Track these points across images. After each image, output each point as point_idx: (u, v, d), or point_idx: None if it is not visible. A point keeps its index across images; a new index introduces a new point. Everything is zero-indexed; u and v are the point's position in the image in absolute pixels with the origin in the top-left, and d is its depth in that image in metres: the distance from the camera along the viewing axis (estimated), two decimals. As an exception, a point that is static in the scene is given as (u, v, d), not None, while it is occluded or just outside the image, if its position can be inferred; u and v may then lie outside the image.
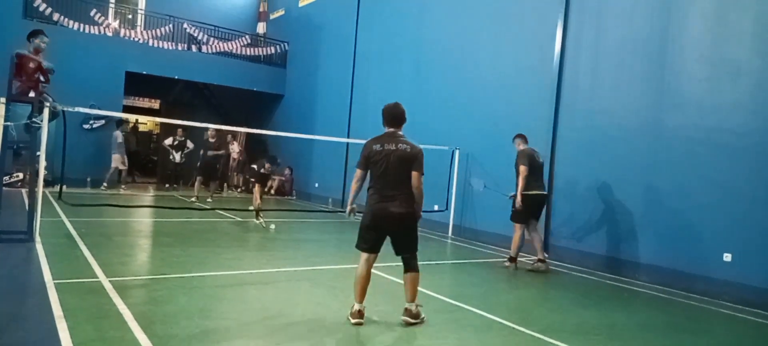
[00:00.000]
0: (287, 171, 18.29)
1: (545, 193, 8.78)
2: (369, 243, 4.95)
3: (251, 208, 11.33)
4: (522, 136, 8.70)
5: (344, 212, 14.13)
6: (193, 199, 13.73)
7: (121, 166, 16.14)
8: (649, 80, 8.63)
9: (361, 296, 4.94)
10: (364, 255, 4.97)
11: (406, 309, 4.96)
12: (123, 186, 16.28)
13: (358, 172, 5.05)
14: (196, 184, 14.25)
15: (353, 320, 4.85)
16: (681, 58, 8.28)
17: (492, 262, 8.97)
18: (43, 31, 8.19)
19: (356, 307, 4.91)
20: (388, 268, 6.87)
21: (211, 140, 13.98)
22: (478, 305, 5.85)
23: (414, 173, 4.88)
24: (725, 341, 5.81)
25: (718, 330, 6.19)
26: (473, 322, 5.33)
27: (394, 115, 5.13)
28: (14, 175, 13.45)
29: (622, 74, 9.03)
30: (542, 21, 10.30)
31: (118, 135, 15.95)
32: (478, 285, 7.15)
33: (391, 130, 5.09)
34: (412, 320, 4.90)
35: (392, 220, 4.88)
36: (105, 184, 15.40)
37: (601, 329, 5.59)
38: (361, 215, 5.10)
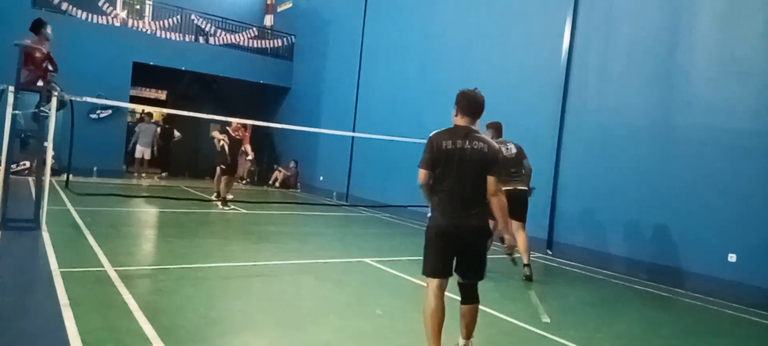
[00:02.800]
0: (292, 164, 18.31)
1: (523, 189, 7.58)
2: (442, 265, 3.86)
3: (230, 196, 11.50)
4: (494, 127, 7.58)
5: (350, 205, 14.10)
6: (222, 200, 12.24)
7: (146, 157, 16.64)
8: (657, 80, 8.59)
9: (438, 337, 3.79)
10: (435, 282, 3.84)
11: None
12: (143, 175, 16.66)
13: (423, 172, 3.88)
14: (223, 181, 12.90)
15: None
16: (690, 58, 8.23)
17: (496, 259, 8.95)
18: (45, 20, 8.19)
19: None
20: (391, 263, 6.87)
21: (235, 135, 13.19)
22: (483, 302, 5.81)
23: (491, 179, 3.86)
24: (729, 342, 5.79)
25: (722, 331, 6.17)
26: (479, 319, 5.32)
27: (475, 105, 4.03)
28: (21, 163, 13.51)
29: (630, 73, 8.99)
30: (550, 19, 10.25)
31: (150, 127, 16.78)
32: (482, 282, 7.13)
33: (464, 123, 3.98)
34: None
35: (466, 236, 3.89)
36: (135, 173, 16.53)
37: (604, 328, 5.59)
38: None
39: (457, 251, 3.91)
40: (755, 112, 7.43)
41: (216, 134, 12.36)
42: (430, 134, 3.96)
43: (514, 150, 7.58)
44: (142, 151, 16.45)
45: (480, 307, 4.10)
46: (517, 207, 7.24)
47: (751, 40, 7.61)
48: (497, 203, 3.91)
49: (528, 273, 7.31)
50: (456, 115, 4.04)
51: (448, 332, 3.94)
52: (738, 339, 5.93)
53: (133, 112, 20.78)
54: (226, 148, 12.02)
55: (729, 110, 7.69)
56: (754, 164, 7.37)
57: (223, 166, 12.12)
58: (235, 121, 12.03)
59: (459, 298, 4.08)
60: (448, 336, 3.93)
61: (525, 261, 7.37)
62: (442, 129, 4.00)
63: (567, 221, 9.69)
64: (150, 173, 17.39)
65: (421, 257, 3.97)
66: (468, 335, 4.04)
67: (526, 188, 7.60)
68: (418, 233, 9.27)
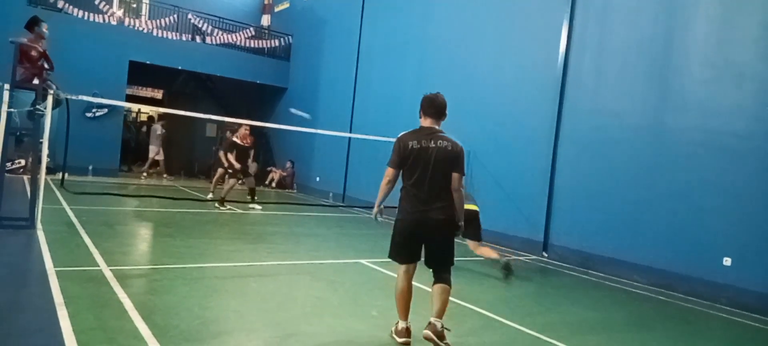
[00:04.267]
0: (288, 164, 18.30)
1: (474, 209, 7.53)
2: (407, 253, 4.32)
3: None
4: None
5: (346, 206, 14.15)
6: (219, 200, 11.88)
7: (158, 157, 17.06)
8: (653, 82, 8.62)
9: (406, 312, 4.36)
10: (403, 267, 4.34)
11: (430, 323, 4.18)
12: (144, 174, 16.90)
13: (390, 171, 4.32)
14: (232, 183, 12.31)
15: (401, 340, 4.31)
16: (685, 61, 8.27)
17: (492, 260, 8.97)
18: (41, 18, 8.16)
19: (402, 325, 4.35)
20: (386, 264, 6.87)
21: (243, 142, 12.33)
22: (477, 302, 5.86)
23: (455, 175, 4.29)
24: (722, 345, 5.82)
25: (716, 334, 6.20)
26: (472, 319, 5.34)
27: (436, 107, 4.40)
28: (16, 161, 13.47)
29: (625, 75, 9.02)
30: (547, 20, 10.28)
31: (158, 128, 17.07)
32: (477, 283, 7.16)
33: (429, 124, 4.40)
34: (436, 340, 4.12)
35: (432, 227, 4.25)
36: (144, 173, 16.85)
37: (598, 330, 5.61)
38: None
39: (425, 242, 4.32)
40: (750, 115, 7.47)
41: (229, 159, 11.91)
42: (398, 136, 4.37)
43: None
44: (154, 151, 16.93)
45: (475, 309, 4.13)
46: (472, 226, 7.39)
47: (746, 43, 7.65)
48: (457, 197, 4.35)
49: (505, 262, 7.42)
50: (421, 117, 4.47)
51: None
52: (732, 343, 5.95)
53: (129, 111, 20.77)
54: (234, 162, 11.77)
55: (724, 113, 7.72)
56: (749, 167, 7.40)
57: (231, 171, 11.93)
58: (243, 123, 11.82)
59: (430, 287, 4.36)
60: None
61: (495, 256, 7.54)
62: (409, 130, 4.41)
63: (562, 223, 9.71)
64: (154, 173, 17.47)
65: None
66: (439, 313, 4.24)
67: (475, 208, 7.57)
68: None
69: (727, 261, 7.46)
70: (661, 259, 8.19)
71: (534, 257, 9.62)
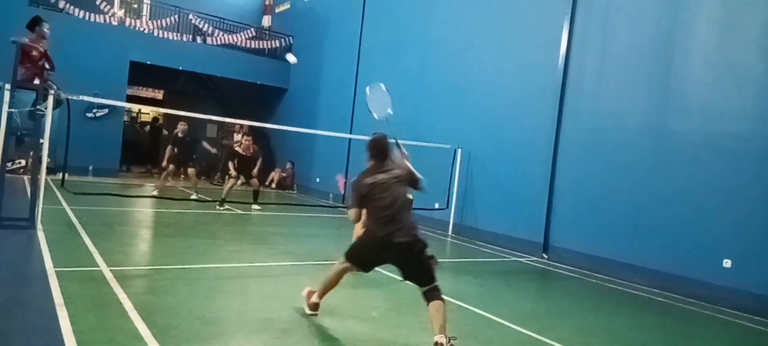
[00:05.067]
0: (289, 165, 18.30)
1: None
2: (364, 264, 4.69)
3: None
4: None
5: (346, 207, 14.10)
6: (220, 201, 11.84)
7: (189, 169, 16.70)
8: (654, 83, 8.62)
9: (325, 294, 4.84)
10: (348, 265, 4.67)
11: (436, 344, 4.07)
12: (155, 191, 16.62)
13: (354, 212, 4.54)
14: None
15: (309, 311, 4.80)
16: (687, 63, 8.26)
17: (492, 261, 8.98)
18: (42, 18, 8.17)
19: (316, 299, 4.83)
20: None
21: (240, 148, 12.50)
22: (477, 304, 5.86)
23: (414, 193, 4.65)
24: (723, 347, 5.83)
25: (716, 336, 6.20)
26: (473, 321, 5.34)
27: (380, 149, 4.62)
28: (17, 161, 13.47)
29: (627, 77, 9.01)
30: (548, 21, 10.28)
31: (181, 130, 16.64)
32: (477, 284, 7.16)
33: (378, 163, 4.59)
34: None
35: (402, 250, 4.33)
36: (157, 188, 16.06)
37: (599, 332, 5.61)
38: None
39: (401, 265, 4.41)
40: (751, 117, 7.47)
41: (229, 166, 11.98)
42: (353, 180, 4.63)
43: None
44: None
45: (475, 310, 4.12)
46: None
47: (748, 45, 7.65)
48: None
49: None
50: (369, 161, 4.63)
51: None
52: (732, 344, 5.95)
53: (129, 111, 20.77)
54: (232, 170, 11.84)
55: (725, 115, 7.72)
56: (750, 169, 7.40)
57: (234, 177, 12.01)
58: (244, 123, 11.80)
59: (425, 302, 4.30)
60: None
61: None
62: (362, 172, 4.61)
63: (563, 225, 9.71)
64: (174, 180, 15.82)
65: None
66: (441, 330, 4.16)
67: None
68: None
69: (727, 263, 7.46)
70: (662, 261, 8.18)
71: (534, 258, 9.61)
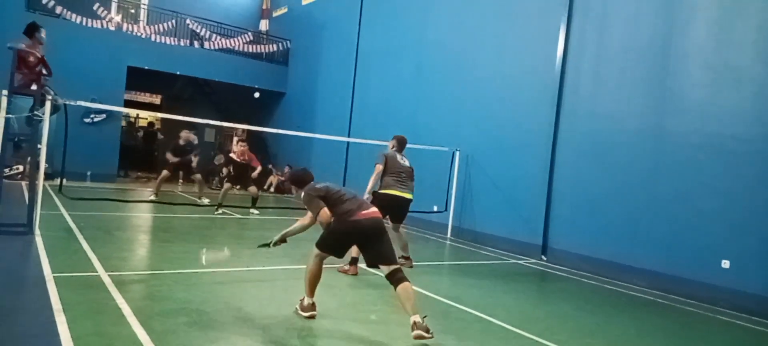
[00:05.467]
0: (287, 169, 18.28)
1: (411, 197, 7.64)
2: (340, 252, 5.09)
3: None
4: (399, 140, 7.87)
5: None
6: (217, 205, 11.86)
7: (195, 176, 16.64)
8: (651, 85, 8.64)
9: (314, 291, 4.99)
10: (325, 256, 4.97)
11: (415, 323, 4.33)
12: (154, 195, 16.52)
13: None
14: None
15: (307, 314, 4.87)
16: (683, 64, 8.28)
17: (491, 264, 8.98)
18: (39, 24, 8.17)
19: (309, 301, 4.95)
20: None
21: (241, 159, 12.48)
22: (476, 306, 5.86)
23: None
24: (722, 348, 5.82)
25: (715, 337, 6.19)
26: (472, 324, 5.33)
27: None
28: (14, 167, 13.44)
29: (624, 78, 9.03)
30: (545, 23, 10.30)
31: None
32: (476, 287, 7.15)
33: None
34: (427, 334, 4.32)
35: (374, 229, 4.83)
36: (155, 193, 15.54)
37: (597, 334, 5.60)
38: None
39: (366, 245, 4.89)
40: (749, 119, 7.48)
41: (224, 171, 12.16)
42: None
43: (408, 163, 7.73)
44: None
45: (474, 313, 4.13)
46: (404, 211, 7.70)
47: (745, 46, 7.67)
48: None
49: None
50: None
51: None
52: (731, 345, 5.95)
53: (126, 116, 20.75)
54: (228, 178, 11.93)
55: (723, 116, 7.74)
56: (747, 170, 7.41)
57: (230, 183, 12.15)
58: (243, 127, 11.84)
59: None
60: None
61: (405, 254, 7.58)
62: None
63: (561, 227, 9.71)
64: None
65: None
66: (415, 310, 4.44)
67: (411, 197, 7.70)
68: (413, 237, 9.28)
69: (725, 264, 7.46)
70: (660, 262, 8.19)
71: (533, 260, 9.61)
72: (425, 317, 4.41)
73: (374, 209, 4.94)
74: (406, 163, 7.70)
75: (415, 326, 4.32)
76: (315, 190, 4.97)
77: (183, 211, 11.68)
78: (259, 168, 12.45)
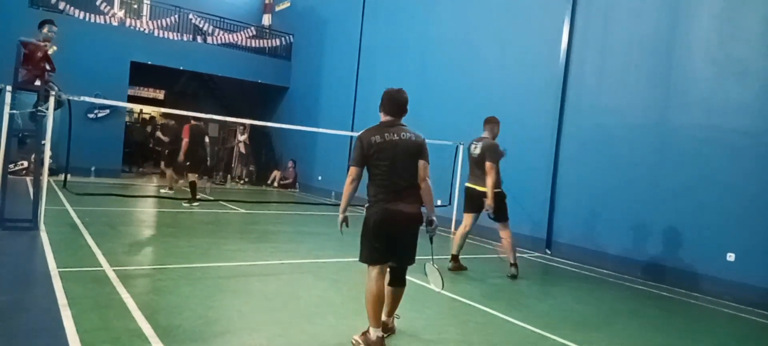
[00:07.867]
0: (290, 164, 18.31)
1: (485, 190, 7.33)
2: (378, 254, 4.08)
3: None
4: (493, 122, 7.77)
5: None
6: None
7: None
8: (656, 79, 8.60)
9: (379, 318, 4.04)
10: (376, 268, 4.06)
11: (384, 324, 4.16)
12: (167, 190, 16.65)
13: (354, 170, 4.08)
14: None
15: (384, 336, 4.11)
16: (688, 58, 8.25)
17: (493, 257, 8.97)
18: (53, 20, 8.20)
19: (375, 334, 4.00)
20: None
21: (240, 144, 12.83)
22: (479, 300, 5.86)
23: (421, 163, 4.11)
24: (727, 342, 5.80)
25: (720, 330, 6.18)
26: (475, 317, 5.34)
27: (398, 104, 4.23)
28: (19, 163, 13.49)
29: (628, 72, 9.00)
30: (549, 17, 10.26)
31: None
32: (479, 280, 7.15)
33: (390, 119, 4.21)
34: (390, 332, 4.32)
35: (400, 222, 4.06)
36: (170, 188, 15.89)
37: (602, 327, 5.60)
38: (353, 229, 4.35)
39: (392, 237, 4.08)
40: (753, 112, 7.45)
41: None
42: (359, 133, 4.17)
43: (479, 151, 7.51)
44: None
45: (478, 306, 4.13)
46: (477, 206, 7.44)
47: (749, 39, 7.63)
48: (426, 188, 4.14)
49: (514, 273, 7.34)
50: (382, 112, 4.27)
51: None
52: (736, 338, 5.93)
53: (130, 111, 20.77)
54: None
55: (727, 110, 7.71)
56: (752, 164, 7.39)
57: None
58: (245, 122, 11.73)
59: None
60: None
61: (511, 260, 7.39)
62: (370, 126, 4.21)
63: (566, 221, 9.70)
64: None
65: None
66: (390, 313, 4.29)
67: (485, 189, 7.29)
68: (416, 232, 9.26)
69: (730, 257, 7.45)
70: (665, 255, 8.18)
71: (537, 254, 9.61)
72: (398, 317, 4.45)
73: (409, 200, 4.19)
74: (479, 150, 7.57)
75: (383, 327, 4.12)
76: (362, 139, 4.21)
77: (186, 205, 11.69)
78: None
